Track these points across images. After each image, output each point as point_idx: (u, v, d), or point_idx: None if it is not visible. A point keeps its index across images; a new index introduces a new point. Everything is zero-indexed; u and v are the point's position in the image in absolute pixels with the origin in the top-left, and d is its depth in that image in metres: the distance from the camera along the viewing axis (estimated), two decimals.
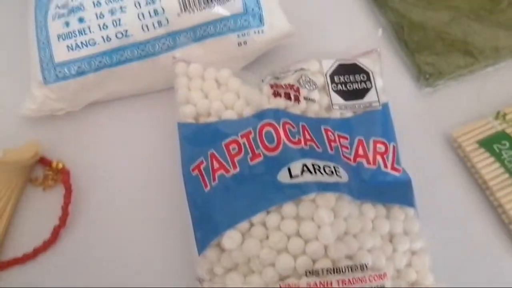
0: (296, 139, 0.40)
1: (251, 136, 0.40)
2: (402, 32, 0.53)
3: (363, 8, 0.57)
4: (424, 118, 0.50)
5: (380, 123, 0.45)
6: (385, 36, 0.54)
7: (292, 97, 0.42)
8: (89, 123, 0.49)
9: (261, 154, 0.39)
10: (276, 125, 0.40)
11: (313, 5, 0.56)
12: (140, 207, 0.45)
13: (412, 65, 0.52)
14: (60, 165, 0.46)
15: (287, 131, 0.40)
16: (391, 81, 0.48)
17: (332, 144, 0.42)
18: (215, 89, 0.44)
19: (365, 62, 0.47)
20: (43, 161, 0.47)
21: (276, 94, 0.42)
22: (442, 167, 0.48)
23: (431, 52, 0.52)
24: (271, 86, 0.42)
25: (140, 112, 0.50)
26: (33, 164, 0.47)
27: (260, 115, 0.41)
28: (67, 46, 0.46)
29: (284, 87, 0.43)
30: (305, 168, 0.38)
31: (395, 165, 0.43)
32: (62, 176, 0.46)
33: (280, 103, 0.42)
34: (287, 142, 0.39)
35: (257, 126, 0.40)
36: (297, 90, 0.43)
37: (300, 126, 0.41)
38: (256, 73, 0.47)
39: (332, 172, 0.39)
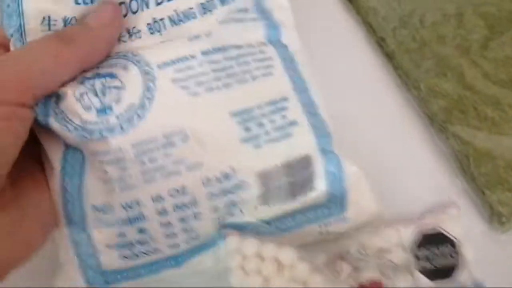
0: None
1: None
2: (467, 163, 0.48)
3: (422, 135, 0.51)
4: (501, 271, 0.45)
5: None
6: (447, 166, 0.49)
7: None
8: None
9: None
10: None
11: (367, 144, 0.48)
12: None
13: (482, 204, 0.47)
14: None
15: None
16: None
17: None
18: (277, 274, 0.38)
19: (449, 227, 0.42)
20: None
21: None
22: None
23: (504, 188, 0.46)
24: None
25: None
26: None
27: None
28: (122, 256, 0.37)
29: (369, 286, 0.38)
30: None
31: None
32: None
33: None
34: None
35: None
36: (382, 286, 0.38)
37: None
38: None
39: None
